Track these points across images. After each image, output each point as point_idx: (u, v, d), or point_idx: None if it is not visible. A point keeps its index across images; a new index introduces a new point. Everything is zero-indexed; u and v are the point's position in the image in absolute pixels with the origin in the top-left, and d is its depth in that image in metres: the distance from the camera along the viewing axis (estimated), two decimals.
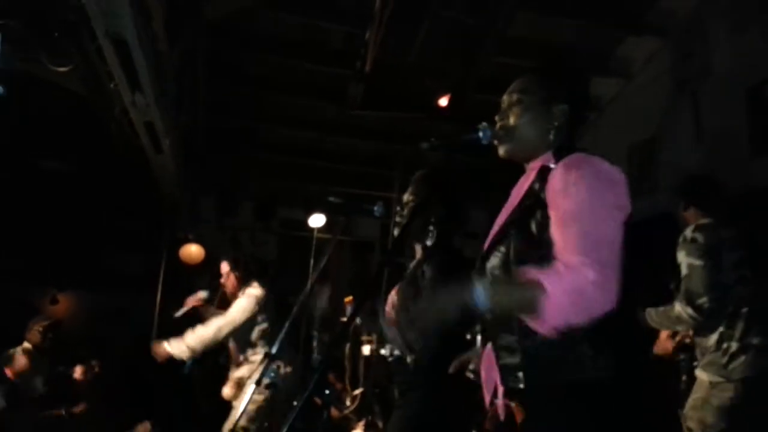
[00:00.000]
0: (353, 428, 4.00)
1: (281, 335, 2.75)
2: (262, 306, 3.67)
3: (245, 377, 3.63)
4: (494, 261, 1.50)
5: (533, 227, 1.43)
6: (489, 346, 1.58)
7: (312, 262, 5.39)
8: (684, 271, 2.73)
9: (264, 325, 3.68)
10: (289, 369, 3.63)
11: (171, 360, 3.48)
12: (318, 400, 4.82)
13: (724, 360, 2.67)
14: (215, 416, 3.66)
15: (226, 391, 3.70)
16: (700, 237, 2.73)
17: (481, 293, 1.33)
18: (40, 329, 4.35)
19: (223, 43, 5.21)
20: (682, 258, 2.75)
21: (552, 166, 1.48)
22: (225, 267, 3.84)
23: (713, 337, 2.72)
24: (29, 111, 4.68)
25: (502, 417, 1.51)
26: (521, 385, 1.43)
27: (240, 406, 3.36)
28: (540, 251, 1.40)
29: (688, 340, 3.05)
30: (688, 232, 2.77)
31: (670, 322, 2.83)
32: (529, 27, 5.21)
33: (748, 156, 4.37)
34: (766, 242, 3.16)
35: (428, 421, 2.18)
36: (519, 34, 5.16)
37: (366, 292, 2.66)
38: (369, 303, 2.55)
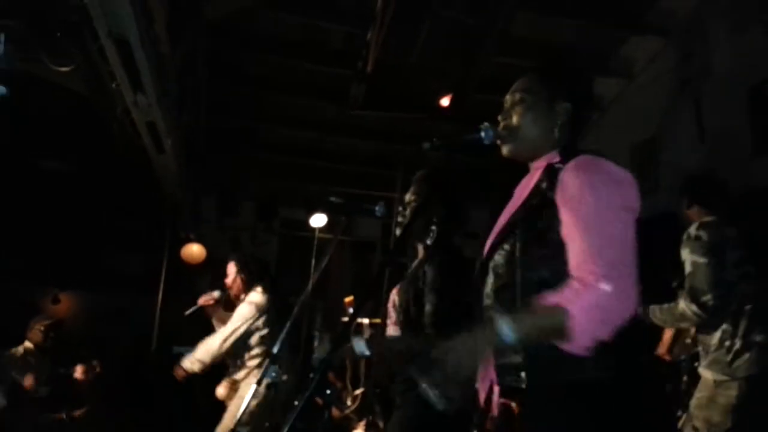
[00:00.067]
0: (354, 428, 3.99)
1: (282, 335, 2.75)
2: (264, 312, 3.69)
3: (240, 380, 3.67)
4: (498, 259, 1.49)
5: (539, 226, 1.42)
6: None
7: (313, 262, 5.39)
8: (688, 268, 2.72)
9: (264, 331, 3.69)
10: (285, 377, 3.63)
11: (171, 360, 3.51)
12: (319, 400, 4.82)
13: (728, 358, 2.66)
14: (215, 416, 3.66)
15: (220, 390, 3.72)
16: (704, 234, 2.72)
17: (507, 329, 1.31)
18: (42, 328, 4.34)
19: (223, 43, 5.21)
20: (687, 255, 2.74)
21: (558, 165, 1.47)
22: (232, 268, 3.85)
23: (716, 335, 2.72)
24: (30, 111, 4.68)
25: (496, 414, 1.51)
26: (523, 385, 1.43)
27: (234, 407, 3.38)
28: (545, 250, 1.40)
29: (688, 340, 3.05)
30: (693, 230, 2.77)
31: (674, 319, 2.82)
32: (529, 27, 5.22)
33: (748, 156, 4.38)
34: (767, 242, 3.16)
35: (429, 421, 2.18)
36: (519, 34, 5.16)
37: (367, 292, 2.66)
38: (370, 303, 2.55)
